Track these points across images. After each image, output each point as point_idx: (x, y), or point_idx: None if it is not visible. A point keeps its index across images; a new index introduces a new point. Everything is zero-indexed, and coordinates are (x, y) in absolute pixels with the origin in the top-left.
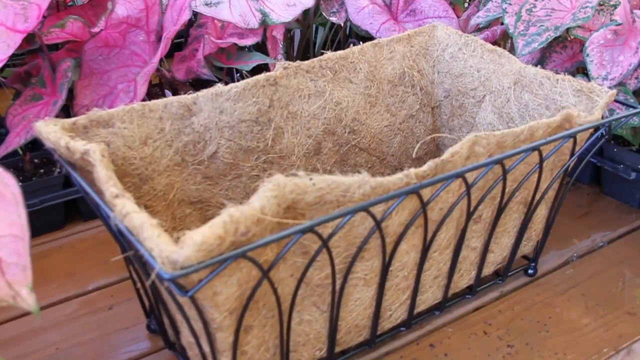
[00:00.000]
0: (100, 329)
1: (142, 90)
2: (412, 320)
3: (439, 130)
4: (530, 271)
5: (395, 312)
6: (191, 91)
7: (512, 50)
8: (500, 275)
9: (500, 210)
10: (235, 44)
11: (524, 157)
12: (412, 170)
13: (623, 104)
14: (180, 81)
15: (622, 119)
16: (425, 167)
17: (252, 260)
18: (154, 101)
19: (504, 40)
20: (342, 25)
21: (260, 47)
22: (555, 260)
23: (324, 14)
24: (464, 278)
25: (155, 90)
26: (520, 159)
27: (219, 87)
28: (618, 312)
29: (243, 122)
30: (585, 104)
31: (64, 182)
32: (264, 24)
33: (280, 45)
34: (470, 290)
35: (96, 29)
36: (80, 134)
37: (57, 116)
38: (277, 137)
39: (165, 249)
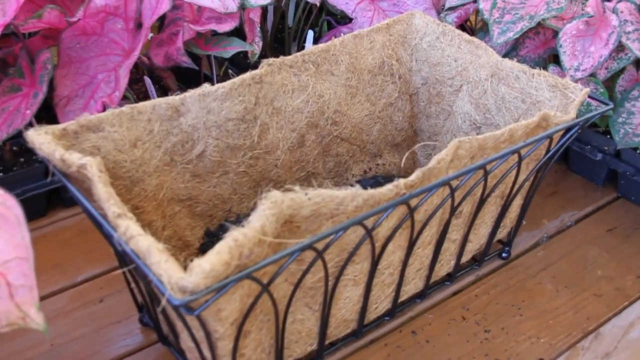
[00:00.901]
0: (93, 323)
1: (124, 82)
2: (396, 309)
3: (416, 116)
4: (504, 255)
5: (380, 304)
6: (171, 76)
7: (484, 26)
8: (477, 260)
9: (480, 205)
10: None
11: (504, 160)
12: (402, 181)
13: (596, 99)
14: (159, 67)
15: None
16: (413, 177)
17: (255, 280)
18: (142, 103)
19: (476, 16)
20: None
21: (237, 29)
22: (527, 242)
23: None
24: (444, 267)
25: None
26: (501, 162)
27: (206, 87)
28: (586, 293)
29: (230, 120)
30: (560, 99)
31: (45, 171)
32: (243, 7)
33: (257, 28)
34: (450, 277)
35: (74, 19)
36: (71, 140)
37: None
38: (262, 133)
39: (174, 275)
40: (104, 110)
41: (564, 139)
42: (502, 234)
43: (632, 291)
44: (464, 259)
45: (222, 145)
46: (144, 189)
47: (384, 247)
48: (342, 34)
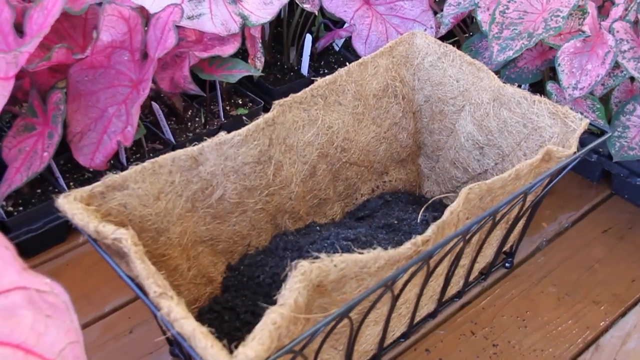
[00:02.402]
0: (126, 356)
1: (136, 117)
2: (411, 330)
3: (419, 132)
4: (507, 265)
5: (397, 331)
6: (177, 95)
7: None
8: (484, 274)
9: (488, 235)
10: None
11: (510, 201)
12: (419, 238)
13: (596, 127)
14: (167, 92)
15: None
16: (429, 232)
17: (295, 352)
18: (162, 157)
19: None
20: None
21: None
22: (528, 247)
23: (296, 1)
24: (454, 288)
25: None
26: (506, 202)
27: (223, 135)
28: (585, 301)
29: (246, 164)
30: (560, 126)
31: None
32: (244, 27)
33: (259, 44)
34: (459, 294)
35: (81, 56)
36: (98, 200)
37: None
38: (277, 171)
39: None
40: (118, 147)
41: (565, 170)
42: (505, 247)
43: (627, 296)
44: (471, 277)
45: (239, 187)
46: (169, 238)
47: (402, 290)
48: (340, 36)
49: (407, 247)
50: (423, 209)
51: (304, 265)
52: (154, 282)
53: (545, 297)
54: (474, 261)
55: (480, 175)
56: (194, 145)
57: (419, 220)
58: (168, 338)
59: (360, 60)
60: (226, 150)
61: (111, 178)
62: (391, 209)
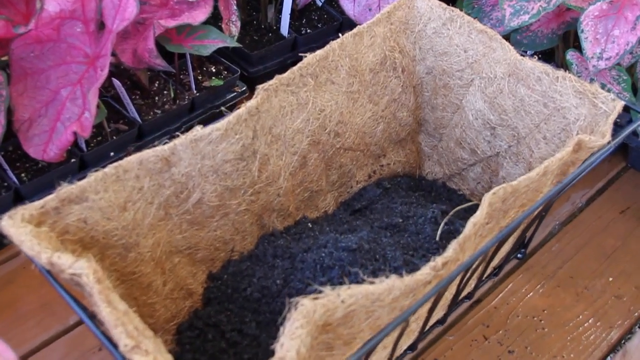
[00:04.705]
0: None
1: (94, 103)
2: (418, 341)
3: (420, 107)
4: (519, 255)
5: (404, 345)
6: (144, 71)
7: None
8: (496, 269)
9: (506, 238)
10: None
11: (536, 208)
12: (439, 260)
13: (630, 108)
14: (129, 67)
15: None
16: (450, 252)
17: None
18: (127, 160)
19: None
20: None
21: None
22: (540, 232)
23: None
24: (466, 291)
25: None
26: (533, 209)
27: (198, 131)
28: (606, 295)
29: (227, 162)
30: (588, 107)
31: (14, 198)
32: None
33: (234, 5)
34: (469, 295)
35: (23, 30)
36: (53, 217)
37: None
38: (262, 167)
39: None
40: (74, 138)
41: (595, 162)
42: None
43: None
44: (484, 276)
45: (220, 188)
46: (139, 253)
47: (414, 312)
48: None
49: (425, 272)
50: (441, 225)
51: (305, 305)
52: (123, 331)
53: (563, 292)
54: (488, 263)
55: (491, 158)
56: (164, 144)
57: (437, 238)
58: None
59: (354, 31)
60: (203, 148)
61: (66, 190)
62: (392, 199)
